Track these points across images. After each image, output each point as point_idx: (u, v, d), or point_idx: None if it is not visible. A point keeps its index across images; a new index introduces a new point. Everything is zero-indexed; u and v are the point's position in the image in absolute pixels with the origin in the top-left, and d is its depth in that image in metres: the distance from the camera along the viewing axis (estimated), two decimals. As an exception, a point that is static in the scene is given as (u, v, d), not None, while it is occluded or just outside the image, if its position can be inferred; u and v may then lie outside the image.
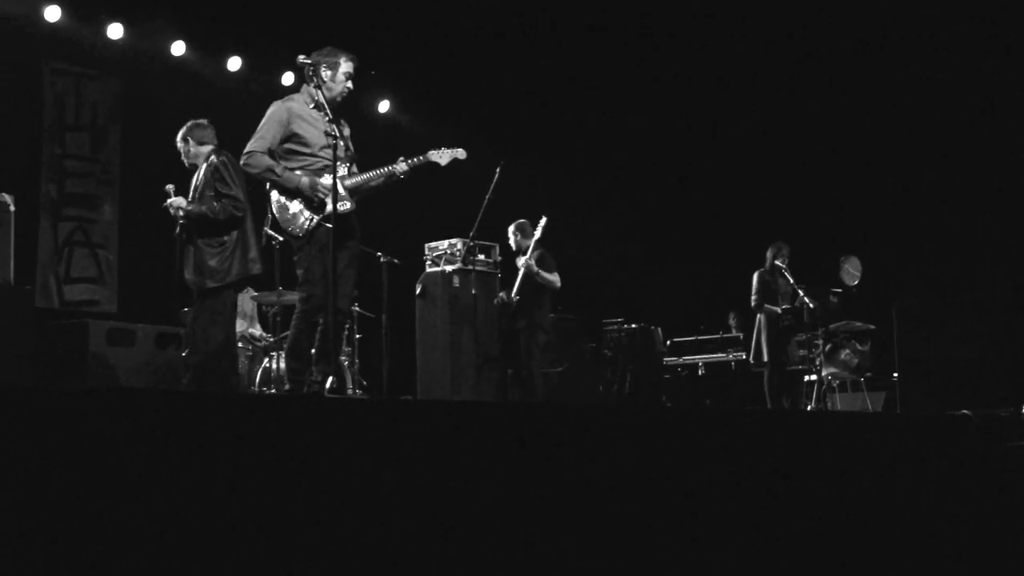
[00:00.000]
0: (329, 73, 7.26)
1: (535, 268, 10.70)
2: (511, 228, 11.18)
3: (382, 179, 7.31)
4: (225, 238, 7.97)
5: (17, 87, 11.87)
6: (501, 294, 10.91)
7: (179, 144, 8.33)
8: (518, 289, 10.76)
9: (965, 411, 7.73)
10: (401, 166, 7.30)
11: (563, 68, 14.52)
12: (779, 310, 11.75)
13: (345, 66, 7.31)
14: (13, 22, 11.49)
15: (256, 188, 7.72)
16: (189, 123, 8.38)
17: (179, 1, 12.29)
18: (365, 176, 7.31)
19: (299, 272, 7.19)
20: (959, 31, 13.25)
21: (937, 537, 7.08)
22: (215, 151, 8.16)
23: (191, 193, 8.15)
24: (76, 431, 3.90)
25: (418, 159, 7.38)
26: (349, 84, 7.35)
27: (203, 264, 7.96)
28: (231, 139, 7.69)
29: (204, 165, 8.14)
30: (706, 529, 5.98)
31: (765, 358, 11.97)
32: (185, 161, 8.32)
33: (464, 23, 13.33)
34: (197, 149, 8.26)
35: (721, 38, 14.14)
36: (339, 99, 7.33)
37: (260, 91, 12.00)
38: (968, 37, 13.25)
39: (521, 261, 10.84)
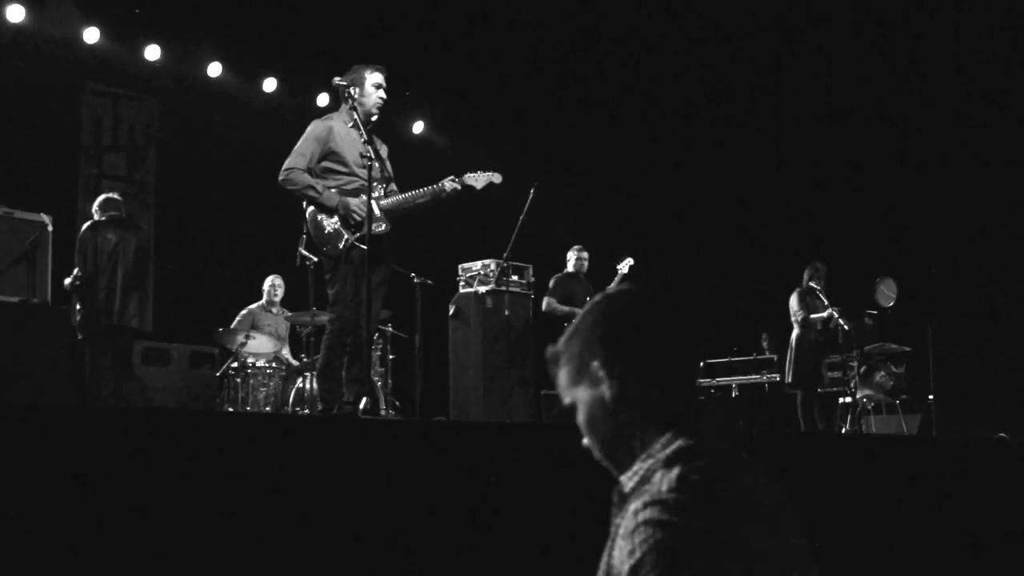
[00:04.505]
0: (359, 89, 7.27)
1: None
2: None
3: (427, 198, 7.30)
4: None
5: (55, 107, 11.99)
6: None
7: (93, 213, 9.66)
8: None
9: (1002, 434, 7.68)
10: (449, 185, 7.29)
11: (597, 89, 14.53)
12: (826, 314, 11.61)
13: (372, 78, 7.31)
14: (53, 43, 11.62)
15: (286, 205, 7.74)
16: (101, 197, 9.77)
17: (216, 23, 12.36)
18: (404, 196, 7.30)
19: (331, 292, 7.18)
20: (1003, 53, 13.19)
21: (974, 560, 7.02)
22: (90, 225, 9.44)
23: None
24: (111, 449, 3.93)
25: (458, 183, 7.36)
26: (381, 94, 7.33)
27: None
28: (266, 159, 7.73)
29: None
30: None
31: (792, 379, 11.90)
32: None
33: (499, 45, 13.36)
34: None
35: (758, 56, 14.11)
36: (374, 111, 7.32)
37: (295, 112, 12.08)
38: (1013, 58, 13.19)
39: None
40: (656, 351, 2.26)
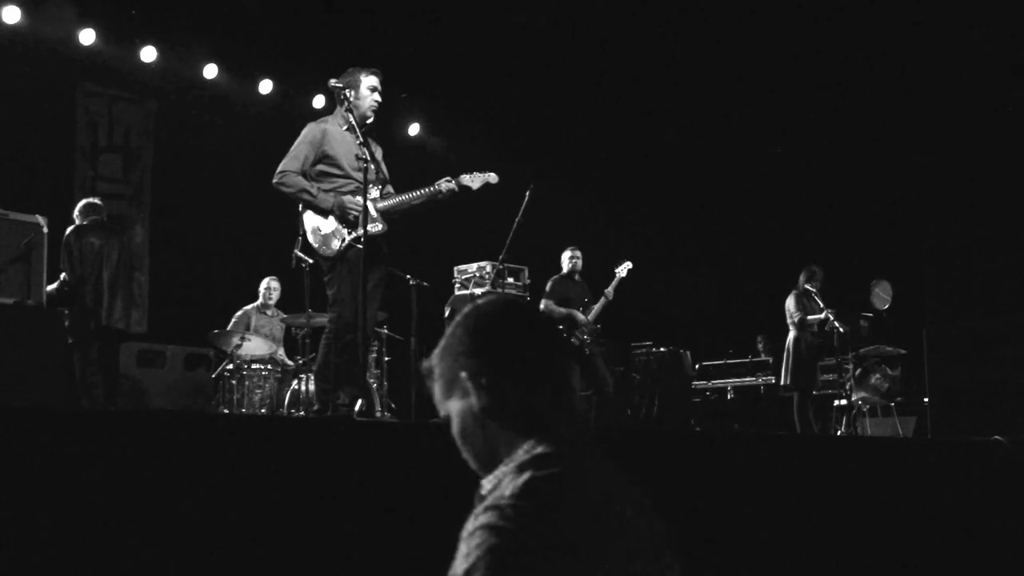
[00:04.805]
0: (354, 92, 7.28)
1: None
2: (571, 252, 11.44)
3: (423, 199, 7.31)
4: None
5: (51, 109, 11.99)
6: (585, 320, 11.01)
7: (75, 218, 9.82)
8: (597, 317, 11.11)
9: (997, 437, 7.67)
10: (445, 186, 7.30)
11: (593, 91, 14.53)
12: (822, 316, 11.62)
13: (367, 81, 7.32)
14: (48, 45, 11.60)
15: (282, 207, 7.74)
16: (82, 202, 9.95)
17: (212, 25, 12.36)
18: (401, 198, 7.30)
19: (329, 293, 7.18)
20: (998, 54, 13.20)
21: (969, 562, 7.02)
22: (74, 229, 9.62)
23: None
24: (107, 451, 3.92)
25: (454, 184, 7.37)
26: (376, 97, 7.35)
27: None
28: (262, 161, 7.72)
29: None
30: (735, 553, 5.95)
31: (789, 381, 11.92)
32: None
33: (494, 47, 13.36)
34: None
35: (754, 61, 14.11)
36: (370, 114, 7.33)
37: (291, 114, 12.07)
38: (1008, 59, 13.20)
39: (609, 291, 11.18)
40: (521, 360, 2.30)
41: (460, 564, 2.05)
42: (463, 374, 2.32)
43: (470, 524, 2.10)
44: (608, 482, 2.24)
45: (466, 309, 2.40)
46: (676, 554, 2.26)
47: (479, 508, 2.12)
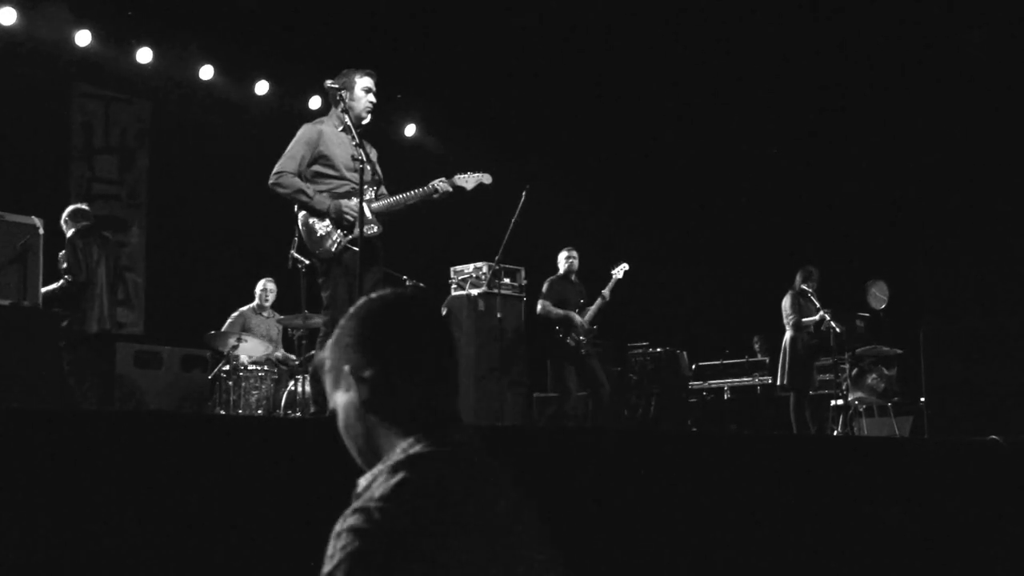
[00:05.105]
0: (348, 93, 7.27)
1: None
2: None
3: (417, 200, 7.31)
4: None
5: (47, 110, 11.98)
6: (581, 321, 10.99)
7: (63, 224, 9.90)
8: (594, 318, 11.07)
9: (994, 436, 7.67)
10: (440, 186, 7.29)
11: (589, 92, 14.54)
12: (817, 317, 11.63)
13: (362, 82, 7.32)
14: (44, 46, 11.60)
15: (278, 208, 7.73)
16: (70, 208, 9.97)
17: (208, 26, 12.35)
18: (395, 198, 7.29)
19: (324, 295, 7.17)
20: (993, 55, 13.21)
21: (966, 562, 7.02)
22: (73, 232, 9.69)
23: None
24: (103, 452, 3.92)
25: (448, 184, 7.36)
26: (371, 97, 7.34)
27: None
28: (257, 162, 7.72)
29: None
30: (732, 553, 5.95)
31: (785, 381, 11.93)
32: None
33: (490, 48, 13.36)
34: (67, 228, 9.76)
35: (750, 61, 14.13)
36: (364, 115, 7.32)
37: (287, 115, 12.06)
38: (1003, 60, 13.21)
39: (606, 292, 11.19)
40: (405, 355, 2.31)
41: (326, 564, 2.06)
42: (346, 367, 2.32)
43: (339, 524, 2.09)
44: (488, 485, 2.23)
45: (359, 302, 2.41)
46: (558, 555, 2.27)
47: (349, 509, 2.11)
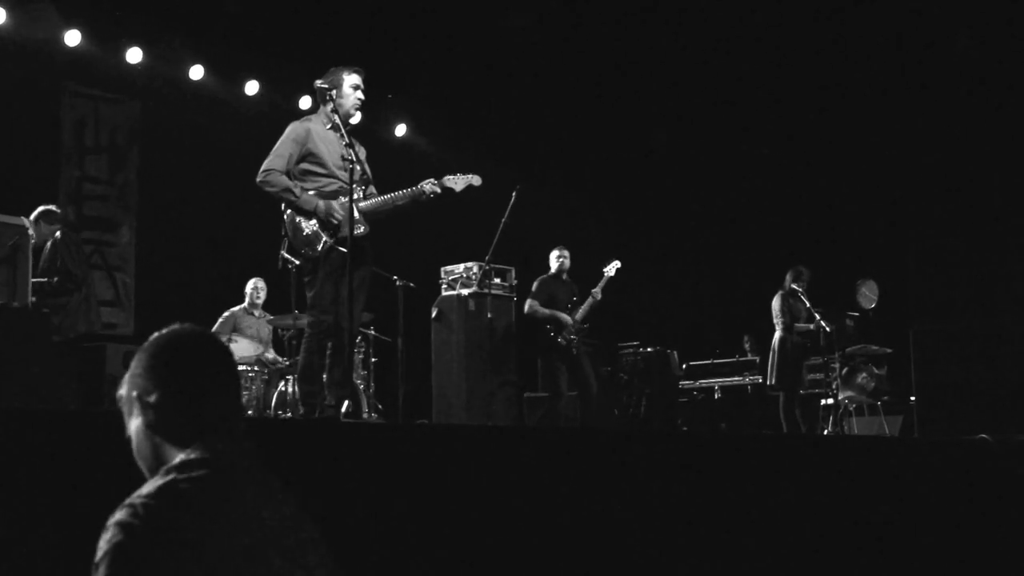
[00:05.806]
0: (337, 91, 7.26)
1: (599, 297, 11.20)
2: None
3: (406, 200, 7.29)
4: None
5: (36, 110, 11.94)
6: (570, 320, 10.96)
7: (31, 226, 9.45)
8: (585, 317, 11.02)
9: (983, 435, 7.70)
10: (428, 187, 7.28)
11: (580, 92, 14.54)
12: (810, 327, 11.65)
13: (350, 79, 7.31)
14: (33, 46, 11.55)
15: (268, 207, 7.72)
16: (40, 209, 9.65)
17: (197, 25, 12.32)
18: (384, 198, 7.28)
19: (309, 295, 7.16)
20: (987, 55, 13.24)
21: (954, 560, 7.04)
22: (62, 232, 9.62)
23: (40, 264, 9.39)
24: (97, 452, 3.91)
25: (437, 185, 7.35)
26: (359, 95, 7.32)
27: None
28: (248, 162, 7.69)
29: (50, 243, 9.51)
30: (722, 552, 5.96)
31: (775, 381, 11.94)
32: (34, 239, 9.21)
33: (480, 49, 13.36)
34: (47, 228, 9.58)
35: (739, 61, 14.14)
36: (353, 112, 7.31)
37: (278, 115, 12.04)
38: (997, 65, 13.24)
39: (597, 291, 11.13)
40: (184, 381, 2.51)
41: (96, 556, 2.22)
42: (134, 393, 2.52)
43: (110, 519, 2.25)
44: (257, 490, 2.44)
45: (151, 337, 2.59)
46: (328, 557, 2.48)
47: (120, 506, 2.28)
